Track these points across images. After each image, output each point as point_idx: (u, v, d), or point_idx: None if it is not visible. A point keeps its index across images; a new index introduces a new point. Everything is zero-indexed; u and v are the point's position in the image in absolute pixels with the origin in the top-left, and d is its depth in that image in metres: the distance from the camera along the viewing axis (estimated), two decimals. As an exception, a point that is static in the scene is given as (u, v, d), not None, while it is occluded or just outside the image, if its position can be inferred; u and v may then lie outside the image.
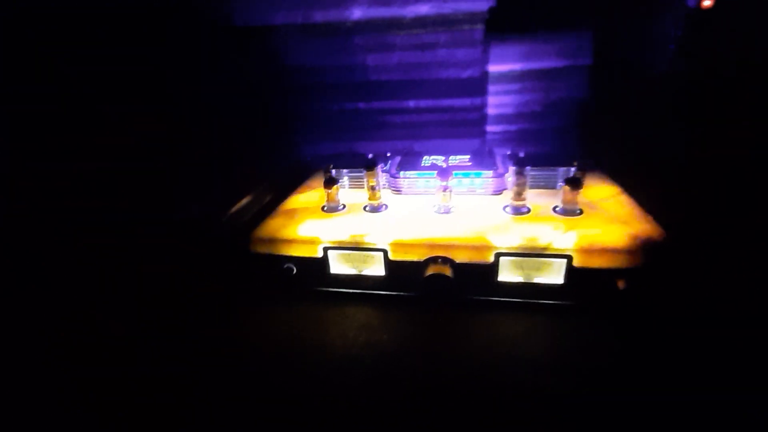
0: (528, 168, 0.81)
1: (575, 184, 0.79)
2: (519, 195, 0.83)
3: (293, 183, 1.11)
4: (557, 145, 1.29)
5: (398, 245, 0.76)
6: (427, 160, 1.06)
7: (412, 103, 1.39)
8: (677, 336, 0.65)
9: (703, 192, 0.72)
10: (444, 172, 0.84)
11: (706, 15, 0.94)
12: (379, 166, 1.00)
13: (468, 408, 0.56)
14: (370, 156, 0.87)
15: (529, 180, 0.94)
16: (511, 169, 0.82)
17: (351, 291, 0.82)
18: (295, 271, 0.82)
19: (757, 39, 0.83)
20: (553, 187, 0.94)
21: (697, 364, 0.60)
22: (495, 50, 1.22)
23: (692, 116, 0.98)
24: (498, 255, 0.73)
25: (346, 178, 1.04)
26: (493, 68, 1.24)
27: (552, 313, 0.73)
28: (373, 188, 0.88)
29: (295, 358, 0.68)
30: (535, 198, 0.90)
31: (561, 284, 0.73)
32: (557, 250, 0.71)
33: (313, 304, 0.81)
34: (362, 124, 1.42)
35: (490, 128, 1.34)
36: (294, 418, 0.56)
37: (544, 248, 0.71)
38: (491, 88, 1.27)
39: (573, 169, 0.92)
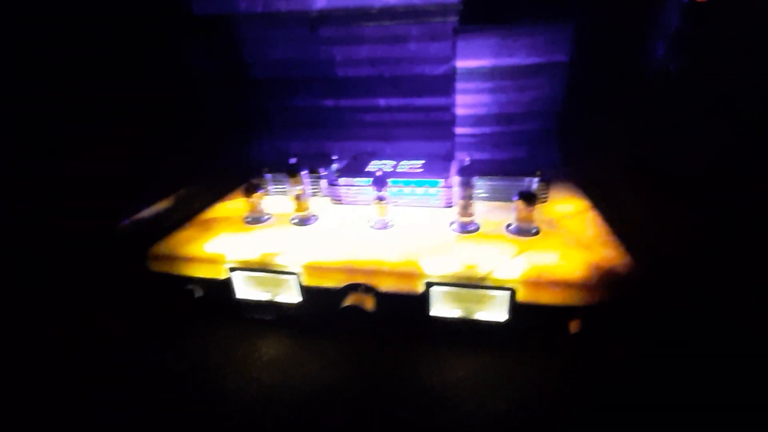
0: (475, 178, 0.68)
1: (529, 199, 0.66)
2: (465, 210, 0.71)
3: (231, 187, 0.99)
4: (534, 150, 1.16)
5: (313, 269, 0.64)
6: (375, 164, 0.93)
7: (382, 102, 1.27)
8: (644, 392, 0.52)
9: (692, 214, 0.59)
10: (379, 181, 0.72)
11: (703, 8, 0.81)
12: (320, 170, 0.88)
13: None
14: (293, 160, 0.75)
15: (484, 191, 0.82)
16: (455, 179, 0.69)
17: (262, 319, 0.69)
18: (198, 294, 0.70)
19: (758, 34, 0.69)
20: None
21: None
22: (464, 44, 1.09)
23: (686, 121, 0.82)
24: (428, 285, 0.60)
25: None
26: (463, 64, 1.11)
27: (494, 357, 0.60)
28: (298, 197, 0.76)
29: (188, 397, 0.56)
30: (490, 213, 0.77)
31: (504, 322, 0.60)
32: (498, 281, 0.58)
33: (217, 332, 0.68)
34: (330, 122, 1.30)
35: (461, 130, 1.21)
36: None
37: (483, 278, 0.58)
38: (462, 86, 1.14)
39: (536, 180, 0.80)
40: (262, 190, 0.78)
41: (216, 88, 1.14)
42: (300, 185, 0.75)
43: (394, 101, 1.26)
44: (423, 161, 0.93)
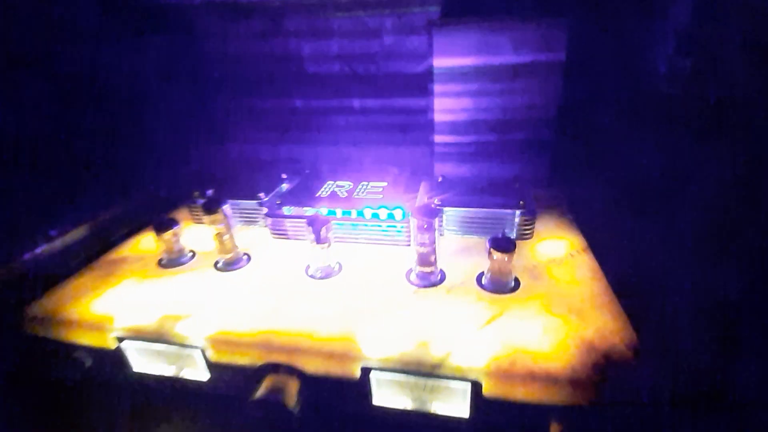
0: (437, 220, 0.53)
1: (506, 248, 0.51)
2: (426, 259, 0.55)
3: (166, 210, 0.84)
4: (521, 164, 1.00)
5: (220, 342, 0.49)
6: (329, 186, 0.78)
7: (356, 102, 1.11)
8: None
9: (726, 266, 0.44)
10: (316, 222, 0.56)
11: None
12: (259, 199, 0.73)
13: None
14: (209, 192, 0.60)
15: (456, 226, 0.67)
16: (412, 221, 0.54)
17: (163, 397, 0.55)
18: (88, 364, 0.55)
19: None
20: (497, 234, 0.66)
21: None
22: (443, 39, 0.92)
23: (701, 130, 0.65)
24: (366, 370, 0.45)
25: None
26: (442, 62, 0.95)
27: (453, 462, 0.46)
28: (220, 236, 0.61)
29: None
30: (461, 255, 0.62)
31: (466, 420, 0.45)
32: (458, 369, 0.43)
33: (107, 413, 0.54)
34: (300, 125, 1.14)
35: (439, 138, 1.05)
36: None
37: (438, 365, 0.43)
38: (440, 88, 0.98)
39: (518, 213, 0.64)
40: (178, 226, 0.63)
41: (166, 88, 0.98)
42: (221, 222, 0.59)
43: (370, 102, 1.10)
44: (385, 183, 0.78)
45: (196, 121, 1.09)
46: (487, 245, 0.53)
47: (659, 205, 0.61)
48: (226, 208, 0.60)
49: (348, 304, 0.52)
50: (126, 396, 0.55)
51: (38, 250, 0.66)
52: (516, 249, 0.51)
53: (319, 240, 0.57)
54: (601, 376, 0.41)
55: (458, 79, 0.94)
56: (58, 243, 0.70)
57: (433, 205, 0.64)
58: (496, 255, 0.52)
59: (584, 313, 0.49)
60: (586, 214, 0.70)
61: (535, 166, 0.97)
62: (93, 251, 0.70)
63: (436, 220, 0.53)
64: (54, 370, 0.56)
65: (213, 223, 0.59)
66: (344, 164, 1.13)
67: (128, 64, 0.89)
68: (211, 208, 0.58)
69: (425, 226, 0.53)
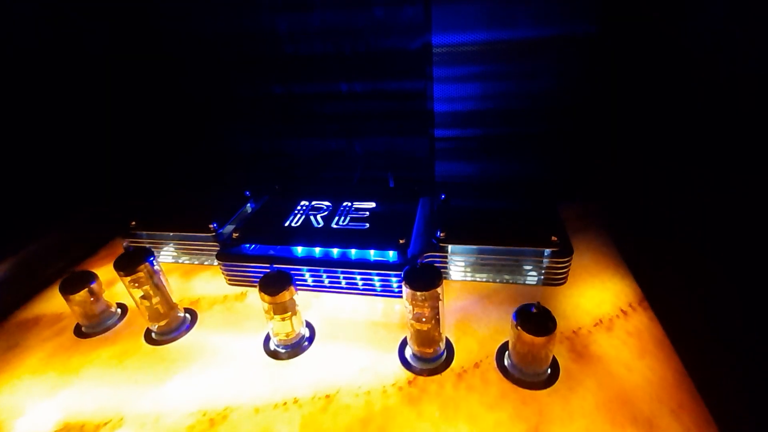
0: (439, 289, 0.36)
1: (540, 328, 0.35)
2: (425, 337, 0.39)
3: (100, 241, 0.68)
4: (538, 163, 0.83)
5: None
6: (301, 209, 0.61)
7: (344, 87, 0.93)
8: None
9: None
10: (274, 282, 0.40)
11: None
12: (211, 231, 0.57)
13: None
14: (126, 244, 0.43)
15: (461, 268, 0.51)
16: (406, 290, 0.37)
17: None
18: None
19: None
20: (518, 278, 0.50)
21: None
22: (444, 9, 0.73)
23: None
24: None
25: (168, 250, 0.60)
26: (441, 38, 0.76)
27: None
28: (147, 298, 0.45)
29: None
30: (477, 306, 0.47)
31: None
32: None
33: None
34: (282, 114, 0.97)
35: (440, 132, 0.88)
36: None
37: None
38: (441, 72, 0.80)
39: (547, 252, 0.48)
40: (95, 282, 0.47)
41: (123, 76, 0.80)
42: (145, 283, 0.43)
43: (359, 86, 0.92)
44: (373, 204, 0.61)
45: (152, 115, 0.91)
46: (513, 320, 0.37)
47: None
48: (150, 264, 0.44)
49: (318, 403, 0.37)
50: None
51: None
52: (556, 328, 0.35)
53: (277, 309, 0.41)
54: None
55: (462, 59, 0.76)
56: None
57: (436, 240, 0.47)
58: (527, 338, 0.36)
59: (657, 425, 0.33)
60: (640, 245, 0.53)
61: (558, 169, 0.80)
62: (3, 303, 0.55)
63: (441, 287, 0.37)
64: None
65: (135, 284, 0.43)
66: (329, 160, 0.96)
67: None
68: (130, 266, 0.42)
69: (423, 298, 0.37)
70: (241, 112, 0.95)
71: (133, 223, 0.60)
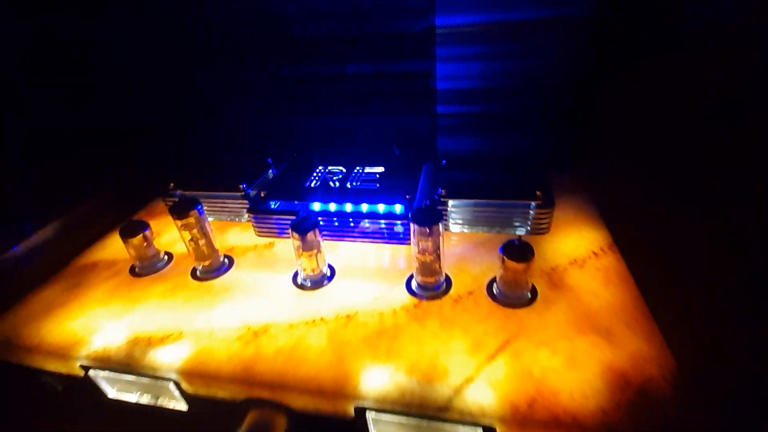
0: (436, 228, 0.45)
1: (521, 257, 0.44)
2: (428, 268, 0.48)
3: (143, 201, 0.76)
4: (536, 139, 0.90)
5: (195, 375, 0.43)
6: (318, 174, 0.70)
7: (351, 68, 0.99)
8: None
9: None
10: (303, 225, 0.49)
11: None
12: (241, 191, 0.65)
13: None
14: (177, 192, 0.52)
15: (463, 220, 0.59)
16: (413, 227, 0.46)
17: (141, 427, 0.50)
18: (59, 388, 0.50)
19: None
20: (508, 229, 0.59)
21: None
22: (445, -8, 0.80)
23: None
24: (361, 410, 0.39)
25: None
26: (445, 19, 0.82)
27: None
28: (195, 242, 0.53)
29: None
30: (468, 254, 0.55)
31: (478, 461, 0.40)
32: (465, 412, 0.37)
33: (84, 444, 0.49)
34: (290, 95, 1.03)
35: (442, 109, 0.95)
36: None
37: (443, 407, 0.37)
38: (443, 51, 0.86)
39: (533, 205, 0.56)
40: (148, 230, 0.56)
41: (141, 59, 0.87)
42: (194, 227, 0.52)
43: (366, 67, 0.98)
44: (382, 169, 0.69)
45: (169, 95, 0.98)
46: (500, 253, 0.45)
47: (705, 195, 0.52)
48: (198, 210, 0.52)
49: (340, 321, 0.46)
50: (101, 424, 0.50)
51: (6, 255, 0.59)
52: (534, 257, 0.44)
53: (306, 247, 0.49)
54: (636, 422, 0.34)
55: (464, 39, 0.82)
56: (27, 245, 0.63)
57: (437, 196, 0.55)
58: (510, 265, 0.44)
59: (614, 334, 0.42)
60: (613, 203, 0.61)
61: (552, 143, 0.87)
62: (63, 252, 0.63)
63: (441, 224, 0.45)
64: (22, 396, 0.51)
65: (185, 228, 0.51)
66: (338, 138, 1.03)
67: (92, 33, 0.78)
68: (182, 211, 0.50)
69: (428, 232, 0.45)
70: (251, 92, 1.02)
71: (171, 185, 0.68)
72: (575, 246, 0.55)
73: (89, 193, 0.74)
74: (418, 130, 0.98)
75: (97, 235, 0.68)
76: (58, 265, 0.61)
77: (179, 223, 0.51)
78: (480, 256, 0.55)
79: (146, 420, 0.50)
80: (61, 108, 0.70)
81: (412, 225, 0.45)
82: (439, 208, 0.58)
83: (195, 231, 0.52)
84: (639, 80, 0.63)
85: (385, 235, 0.58)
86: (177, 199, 0.52)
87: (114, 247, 0.64)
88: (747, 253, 0.33)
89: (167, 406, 0.47)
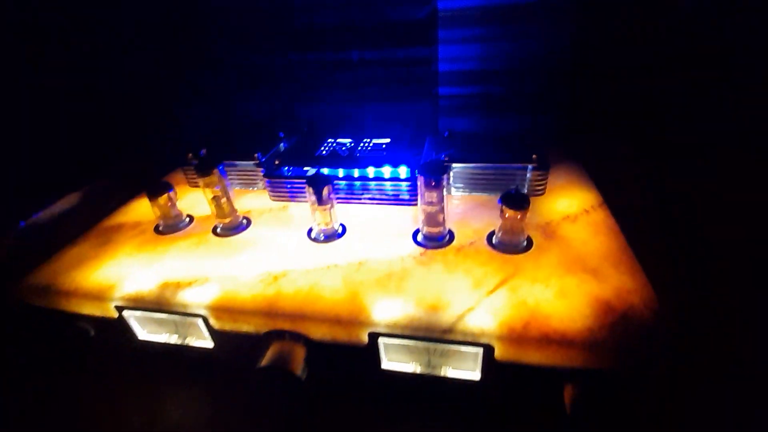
0: (443, 178, 0.49)
1: (518, 204, 0.48)
2: (433, 218, 0.52)
3: (158, 175, 0.81)
4: (532, 117, 0.94)
5: (223, 310, 0.47)
6: (328, 145, 0.74)
7: (355, 55, 1.03)
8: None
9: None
10: (318, 181, 0.53)
11: None
12: (256, 159, 0.69)
13: None
14: (202, 152, 0.56)
15: (464, 184, 0.63)
16: (420, 180, 0.50)
17: (168, 365, 0.54)
18: (92, 332, 0.54)
19: None
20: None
21: None
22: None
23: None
24: (374, 336, 0.44)
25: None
26: (446, 4, 0.87)
27: (463, 427, 0.45)
28: (216, 199, 0.58)
29: None
30: (470, 213, 0.59)
31: (477, 382, 0.44)
32: (468, 334, 0.41)
33: (111, 385, 0.54)
34: (297, 80, 1.07)
35: (444, 90, 0.99)
36: None
37: (448, 330, 0.41)
38: (444, 34, 0.91)
39: (530, 167, 0.61)
40: (173, 190, 0.60)
41: (145, 43, 0.91)
42: (216, 185, 0.56)
43: (369, 54, 1.02)
44: (388, 140, 0.74)
45: (181, 79, 1.02)
46: (499, 203, 0.49)
47: (681, 160, 0.57)
48: (220, 170, 0.56)
49: (353, 267, 0.50)
50: (132, 365, 0.55)
51: (33, 218, 0.63)
52: (529, 206, 0.48)
53: (321, 201, 0.54)
54: (619, 339, 0.39)
55: (465, 22, 0.87)
56: (52, 211, 0.67)
57: (443, 159, 0.60)
58: (508, 213, 0.49)
59: (601, 272, 0.46)
60: (603, 171, 0.66)
61: (547, 120, 0.92)
62: (87, 219, 0.68)
63: (445, 177, 0.49)
64: (57, 340, 0.56)
65: (208, 185, 0.56)
66: (342, 122, 1.07)
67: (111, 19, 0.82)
68: (205, 169, 0.54)
69: (433, 184, 0.49)
70: (259, 78, 1.06)
71: (190, 155, 0.72)
72: (568, 205, 0.60)
73: (111, 165, 0.79)
74: (420, 113, 1.02)
75: (118, 204, 0.72)
76: (83, 229, 0.65)
77: (203, 180, 0.55)
78: (480, 214, 0.59)
79: (174, 358, 0.54)
80: (89, 92, 0.75)
81: (420, 177, 0.50)
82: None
83: (217, 189, 0.57)
84: (623, 62, 0.69)
85: (392, 198, 0.63)
86: (202, 158, 0.56)
87: (136, 212, 0.68)
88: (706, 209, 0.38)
89: (194, 345, 0.52)
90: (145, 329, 0.53)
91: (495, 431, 0.44)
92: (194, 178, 0.74)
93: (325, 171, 0.66)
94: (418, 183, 0.50)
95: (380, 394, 0.48)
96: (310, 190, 0.53)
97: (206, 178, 0.55)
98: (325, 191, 0.53)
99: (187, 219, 0.64)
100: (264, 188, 0.70)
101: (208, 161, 0.55)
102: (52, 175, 0.70)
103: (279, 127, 0.83)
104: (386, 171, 0.64)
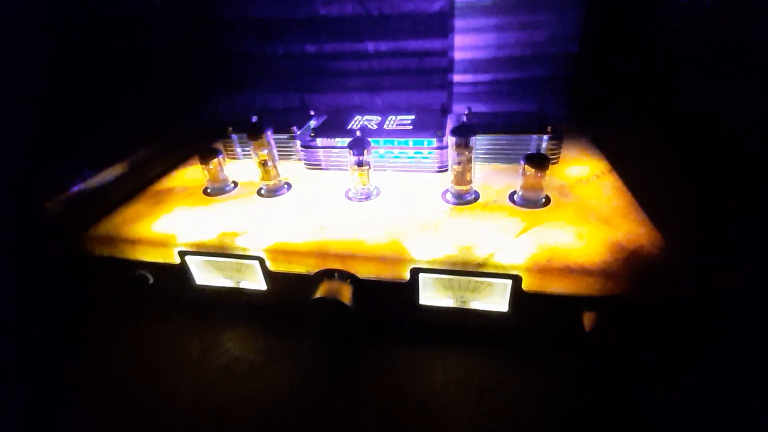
0: (473, 138, 0.56)
1: (539, 162, 0.55)
2: (462, 177, 0.59)
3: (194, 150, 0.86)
4: (543, 102, 1.01)
5: (278, 252, 0.53)
6: (357, 120, 0.80)
7: (370, 46, 1.09)
8: (665, 400, 0.44)
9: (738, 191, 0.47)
10: (357, 144, 0.59)
11: None
12: (294, 129, 0.75)
13: None
14: (255, 118, 0.62)
15: (485, 152, 0.70)
16: (450, 140, 0.57)
17: (224, 308, 0.60)
18: (151, 280, 0.60)
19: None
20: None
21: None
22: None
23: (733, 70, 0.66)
24: (416, 271, 0.50)
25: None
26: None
27: (493, 354, 0.51)
28: (264, 163, 0.64)
29: (133, 406, 0.48)
30: (492, 178, 0.66)
31: (505, 313, 0.51)
32: (499, 267, 0.47)
33: (171, 325, 0.60)
34: (313, 71, 1.13)
35: (458, 78, 1.06)
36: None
37: (481, 264, 0.48)
38: (459, 23, 0.97)
39: (545, 138, 0.67)
40: (222, 155, 0.66)
41: (173, 33, 0.97)
42: (265, 148, 0.62)
43: (384, 45, 1.08)
44: (413, 116, 0.80)
45: (204, 68, 1.07)
46: (522, 162, 0.56)
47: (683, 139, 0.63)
48: (268, 135, 0.63)
49: (392, 220, 0.56)
50: (189, 308, 0.60)
51: (82, 184, 0.69)
52: (549, 163, 0.55)
53: (361, 162, 0.60)
54: (630, 270, 0.45)
55: (480, 12, 0.93)
56: (100, 178, 0.72)
57: (465, 115, 0.66)
58: (530, 170, 0.55)
59: (613, 222, 0.53)
60: (611, 142, 0.73)
61: (555, 104, 0.98)
62: (132, 187, 0.73)
63: (473, 137, 0.56)
64: (118, 289, 0.61)
65: (258, 147, 0.62)
66: (359, 112, 1.13)
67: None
68: (257, 132, 0.61)
69: (463, 144, 0.56)
70: (276, 68, 1.11)
71: (230, 128, 0.78)
72: (580, 171, 0.66)
73: (154, 138, 0.85)
74: (434, 103, 1.07)
75: (161, 173, 0.78)
76: (129, 195, 0.70)
77: (254, 143, 0.61)
78: (501, 179, 0.65)
79: (229, 301, 0.60)
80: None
81: (451, 138, 0.56)
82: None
83: (265, 153, 0.63)
84: (629, 49, 0.75)
85: (422, 166, 0.69)
86: (251, 127, 0.62)
87: (182, 178, 0.74)
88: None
89: (248, 288, 0.58)
90: (203, 274, 0.58)
91: (521, 356, 0.50)
92: (232, 151, 0.80)
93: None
94: (449, 144, 0.57)
95: (416, 328, 0.54)
96: (351, 152, 0.59)
97: (257, 141, 0.61)
98: (365, 153, 0.60)
99: (233, 184, 0.70)
100: (299, 160, 0.76)
101: (260, 126, 0.61)
102: (97, 144, 0.75)
103: (299, 114, 0.88)
104: (414, 141, 0.70)
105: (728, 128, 0.47)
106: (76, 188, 0.68)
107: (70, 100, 0.68)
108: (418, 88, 1.11)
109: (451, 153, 0.57)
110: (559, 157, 0.69)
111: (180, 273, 0.58)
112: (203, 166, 0.65)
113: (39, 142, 0.62)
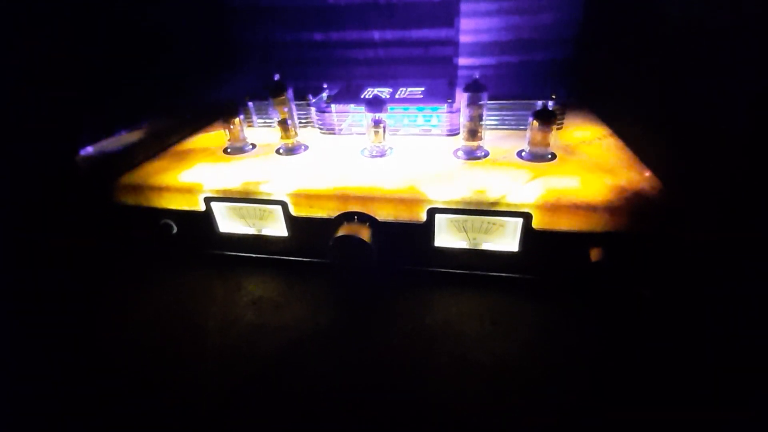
0: (484, 95, 0.59)
1: (546, 118, 0.58)
2: (473, 134, 0.62)
3: (210, 120, 0.89)
4: (546, 83, 1.05)
5: (301, 196, 0.56)
6: (369, 91, 0.83)
7: (377, 35, 1.13)
8: (669, 329, 0.47)
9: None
10: (374, 103, 0.63)
11: None
12: (307, 99, 0.79)
13: (385, 419, 0.39)
14: (277, 76, 0.65)
15: (492, 114, 0.73)
16: (463, 97, 0.60)
17: (246, 255, 0.63)
18: (175, 229, 0.62)
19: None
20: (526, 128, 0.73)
21: (690, 371, 0.42)
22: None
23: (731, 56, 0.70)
24: (432, 211, 0.53)
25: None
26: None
27: (505, 292, 0.54)
28: (284, 123, 0.67)
29: (164, 337, 0.50)
30: (500, 141, 0.69)
31: (516, 253, 0.54)
32: (511, 205, 0.51)
33: (197, 270, 0.62)
34: (320, 59, 1.16)
35: (463, 61, 1.09)
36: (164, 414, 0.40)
37: (495, 202, 0.51)
38: (464, 7, 1.01)
39: (550, 103, 0.71)
40: (243, 116, 0.69)
41: (186, 18, 1.00)
42: (285, 106, 0.66)
43: (390, 34, 1.12)
44: (423, 88, 0.84)
45: (213, 52, 1.09)
46: (530, 118, 0.59)
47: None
48: (289, 94, 0.66)
49: (407, 170, 0.60)
50: (212, 258, 0.63)
51: (109, 142, 0.71)
52: (555, 119, 0.58)
53: (378, 121, 0.63)
54: (633, 206, 0.49)
55: (482, -3, 0.96)
56: (121, 139, 0.75)
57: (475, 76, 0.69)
58: (538, 124, 0.59)
59: (616, 171, 0.56)
60: (611, 110, 0.77)
61: (558, 88, 1.02)
62: (154, 151, 0.76)
63: (484, 94, 0.59)
64: (144, 237, 0.64)
65: (279, 105, 0.65)
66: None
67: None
68: (278, 90, 0.64)
69: (476, 99, 0.59)
70: (284, 56, 1.14)
71: (247, 97, 0.82)
72: (583, 135, 0.70)
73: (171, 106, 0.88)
74: (438, 89, 1.10)
75: (180, 138, 0.81)
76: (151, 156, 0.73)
77: (275, 101, 0.65)
78: (508, 141, 0.69)
79: (252, 248, 0.62)
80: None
81: (465, 94, 0.60)
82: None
83: (286, 111, 0.66)
84: (630, 34, 0.79)
85: (432, 130, 0.73)
86: (273, 85, 0.65)
87: (202, 141, 0.77)
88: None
89: (270, 234, 0.60)
90: (226, 222, 0.61)
91: (531, 294, 0.54)
92: (250, 120, 0.83)
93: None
94: (462, 101, 0.60)
95: (433, 268, 0.57)
96: (367, 109, 0.63)
97: (279, 98, 0.64)
98: (381, 111, 0.63)
99: (251, 145, 0.73)
100: (313, 126, 0.79)
101: (281, 84, 0.64)
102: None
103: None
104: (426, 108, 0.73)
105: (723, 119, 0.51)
106: (102, 145, 0.70)
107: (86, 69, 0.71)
108: (424, 76, 1.14)
109: (463, 111, 0.61)
110: (563, 124, 0.72)
111: (205, 221, 0.61)
112: (225, 125, 0.68)
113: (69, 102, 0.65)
